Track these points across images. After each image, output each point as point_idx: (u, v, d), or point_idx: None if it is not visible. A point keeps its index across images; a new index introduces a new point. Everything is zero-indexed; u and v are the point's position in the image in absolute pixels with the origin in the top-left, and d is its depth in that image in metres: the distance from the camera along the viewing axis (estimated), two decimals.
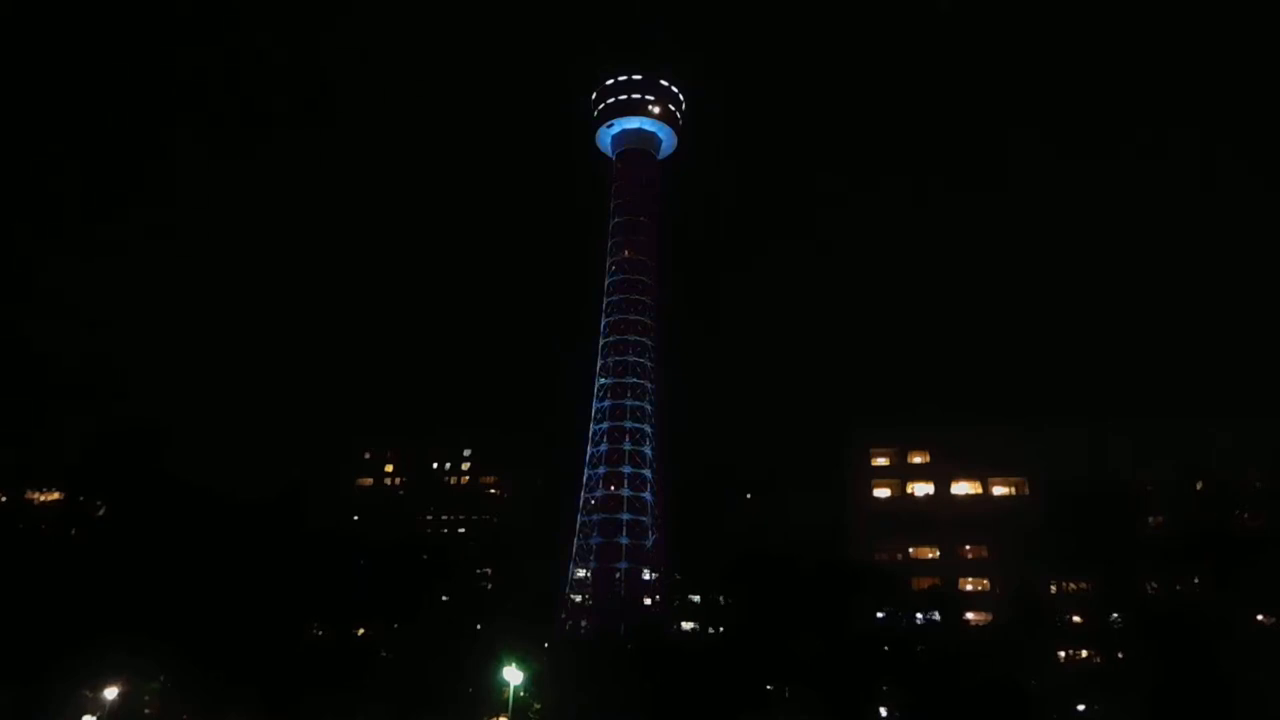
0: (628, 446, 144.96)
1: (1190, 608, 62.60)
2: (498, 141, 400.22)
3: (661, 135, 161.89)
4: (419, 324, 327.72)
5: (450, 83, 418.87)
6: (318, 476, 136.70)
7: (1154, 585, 70.71)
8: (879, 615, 70.07)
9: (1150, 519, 78.29)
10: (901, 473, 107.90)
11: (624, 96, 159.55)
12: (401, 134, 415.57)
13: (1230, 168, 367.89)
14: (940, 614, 72.62)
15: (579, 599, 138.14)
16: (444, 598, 75.08)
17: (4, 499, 58.51)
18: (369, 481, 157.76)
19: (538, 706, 71.21)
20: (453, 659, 64.85)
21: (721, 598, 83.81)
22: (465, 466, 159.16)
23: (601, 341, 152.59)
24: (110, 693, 58.32)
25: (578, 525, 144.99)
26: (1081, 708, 72.35)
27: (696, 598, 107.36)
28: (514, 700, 64.60)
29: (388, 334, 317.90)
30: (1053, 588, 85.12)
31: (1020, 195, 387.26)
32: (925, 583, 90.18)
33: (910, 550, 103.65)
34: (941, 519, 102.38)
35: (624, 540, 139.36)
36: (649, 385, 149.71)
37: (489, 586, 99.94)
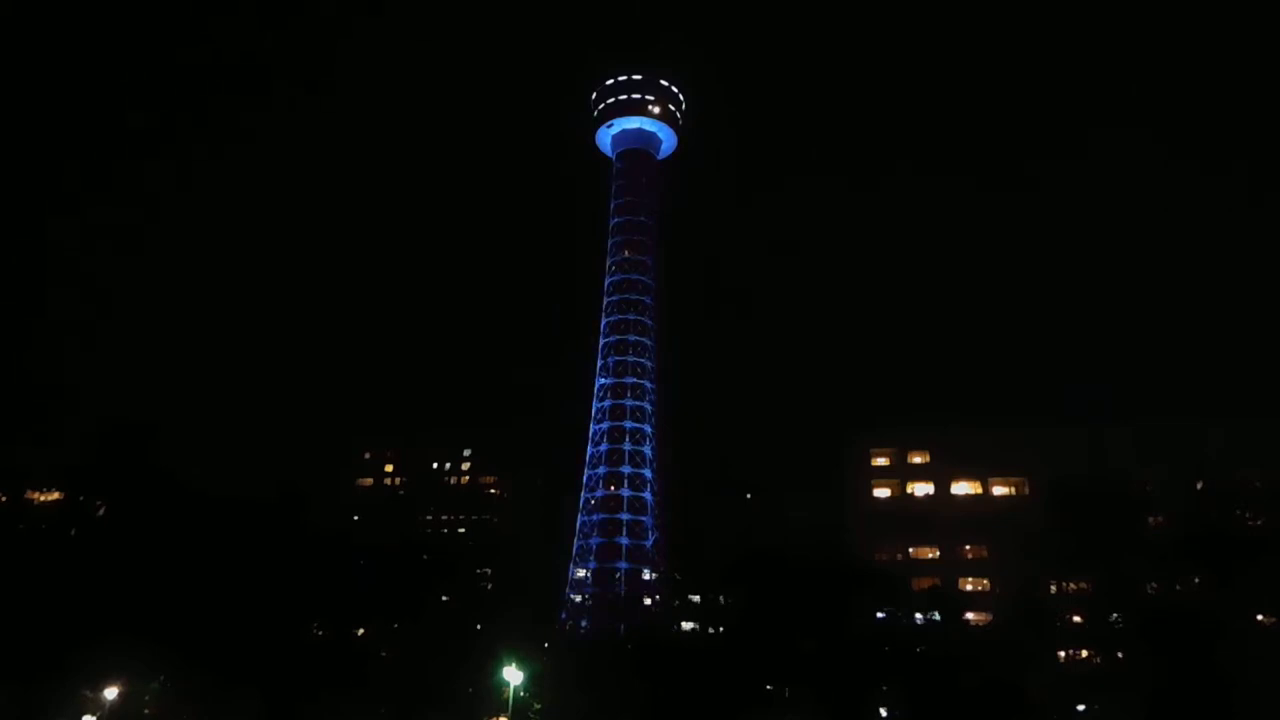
0: (628, 446, 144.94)
1: (1190, 608, 62.43)
2: (498, 141, 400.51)
3: (662, 135, 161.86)
4: (419, 324, 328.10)
5: (450, 83, 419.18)
6: (318, 476, 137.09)
7: (1154, 585, 70.54)
8: (879, 615, 69.92)
9: (1150, 519, 78.06)
10: (901, 473, 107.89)
11: (624, 96, 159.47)
12: (401, 134, 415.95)
13: (1228, 168, 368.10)
14: (940, 614, 72.44)
15: (579, 599, 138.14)
16: (444, 598, 75.05)
17: (4, 499, 58.54)
18: (369, 482, 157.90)
19: (538, 706, 71.20)
20: (453, 659, 64.86)
21: (721, 598, 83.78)
22: (465, 466, 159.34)
23: (601, 341, 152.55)
24: (110, 693, 58.15)
25: (578, 525, 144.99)
26: (1081, 708, 72.25)
27: (696, 598, 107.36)
28: (514, 700, 64.68)
29: (387, 334, 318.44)
30: (1053, 588, 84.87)
31: (1021, 195, 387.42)
32: (925, 583, 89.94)
33: (910, 550, 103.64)
34: (941, 519, 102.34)
35: (624, 540, 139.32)
36: (649, 385, 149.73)
37: (489, 586, 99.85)
